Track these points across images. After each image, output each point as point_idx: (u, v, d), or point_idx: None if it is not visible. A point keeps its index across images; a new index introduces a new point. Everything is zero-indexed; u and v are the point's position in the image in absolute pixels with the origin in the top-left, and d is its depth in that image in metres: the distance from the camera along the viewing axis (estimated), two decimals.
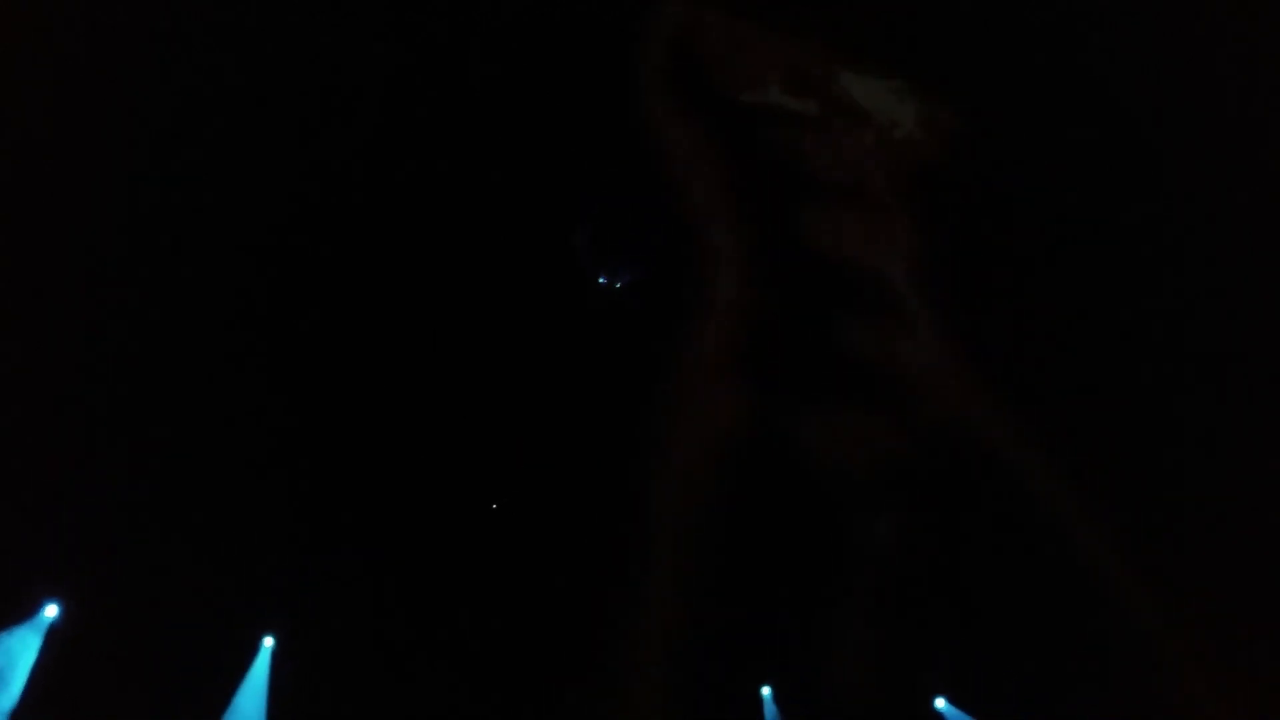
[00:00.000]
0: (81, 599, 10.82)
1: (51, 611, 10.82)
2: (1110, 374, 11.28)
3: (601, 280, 11.86)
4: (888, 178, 11.70)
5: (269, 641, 11.53)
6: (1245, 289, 10.57)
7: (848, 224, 11.73)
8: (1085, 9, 10.94)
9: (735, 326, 11.88)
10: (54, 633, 10.77)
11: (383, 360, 11.94)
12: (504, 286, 11.94)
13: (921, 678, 11.79)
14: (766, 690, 11.90)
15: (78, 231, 10.73)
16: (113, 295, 11.00)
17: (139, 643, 10.82)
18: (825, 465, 11.76)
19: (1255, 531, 10.71)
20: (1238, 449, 10.80)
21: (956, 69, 11.28)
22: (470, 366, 12.08)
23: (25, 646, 10.72)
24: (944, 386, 11.58)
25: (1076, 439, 11.24)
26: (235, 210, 11.22)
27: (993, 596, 11.59)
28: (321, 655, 11.31)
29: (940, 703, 11.78)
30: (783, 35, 11.47)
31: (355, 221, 11.77)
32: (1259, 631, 10.58)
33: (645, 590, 11.59)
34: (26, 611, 10.79)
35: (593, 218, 11.79)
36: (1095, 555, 11.04)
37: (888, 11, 11.13)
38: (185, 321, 11.19)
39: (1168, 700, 10.60)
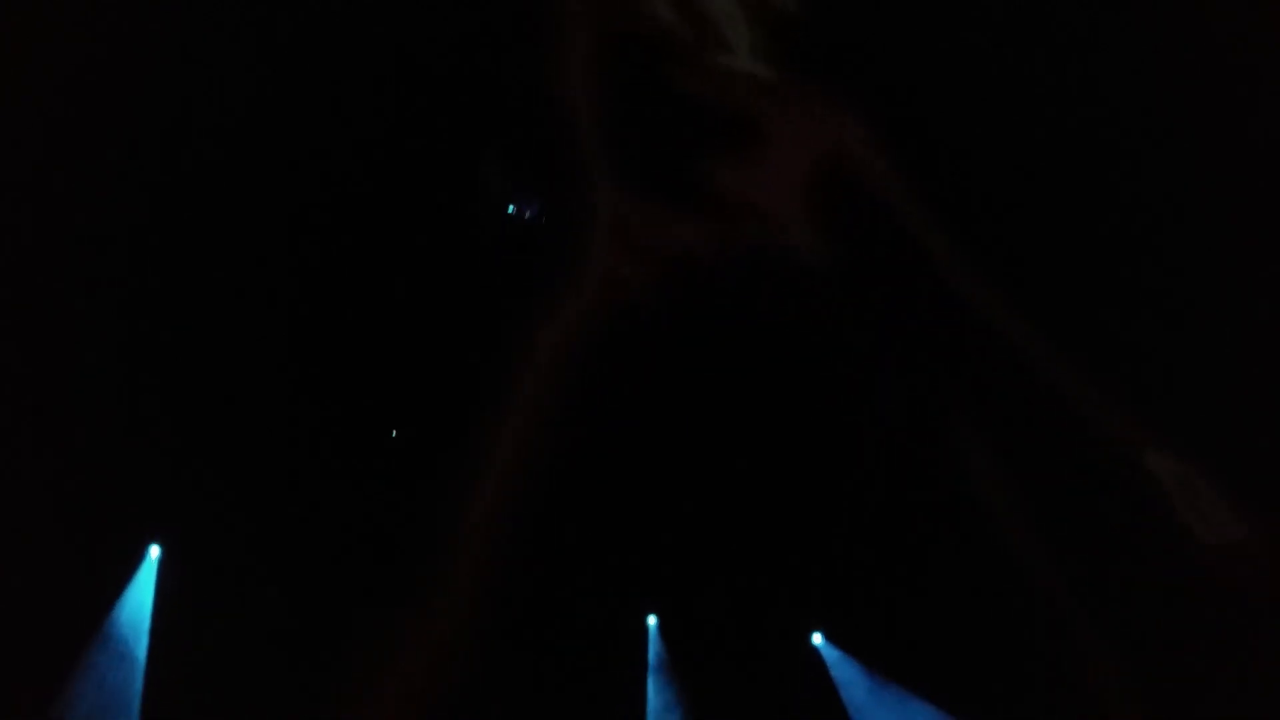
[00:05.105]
0: None
1: None
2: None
3: (511, 209, 11.89)
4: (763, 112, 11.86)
5: (155, 551, 11.24)
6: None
7: (733, 156, 11.85)
8: None
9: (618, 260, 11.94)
10: None
11: (281, 277, 11.72)
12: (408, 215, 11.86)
13: (800, 612, 12.15)
14: (652, 620, 12.09)
15: None
16: None
17: (12, 549, 10.42)
18: None
19: None
20: None
21: None
22: (373, 291, 11.98)
23: None
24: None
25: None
26: None
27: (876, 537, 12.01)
28: (210, 565, 11.06)
29: (817, 638, 12.17)
30: None
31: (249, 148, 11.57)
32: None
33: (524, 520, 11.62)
34: None
35: (502, 146, 11.79)
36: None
37: None
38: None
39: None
